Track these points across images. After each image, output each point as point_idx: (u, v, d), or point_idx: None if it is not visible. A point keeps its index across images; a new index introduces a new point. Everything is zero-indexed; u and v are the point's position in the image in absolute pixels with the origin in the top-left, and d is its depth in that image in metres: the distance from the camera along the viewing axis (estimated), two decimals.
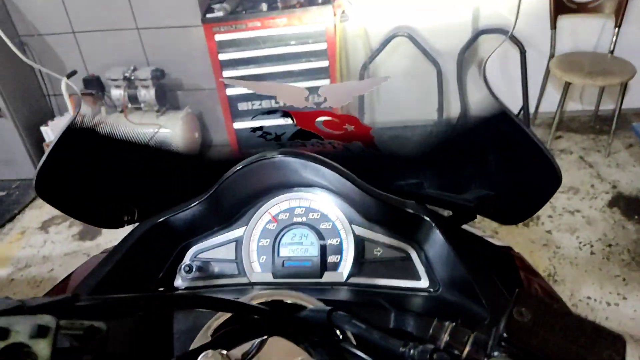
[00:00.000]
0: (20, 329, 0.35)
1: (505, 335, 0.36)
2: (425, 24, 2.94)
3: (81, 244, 2.85)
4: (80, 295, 0.44)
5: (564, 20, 3.07)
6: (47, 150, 0.70)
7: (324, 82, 2.70)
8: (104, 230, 2.90)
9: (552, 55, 3.07)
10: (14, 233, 3.02)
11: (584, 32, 3.13)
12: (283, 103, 0.83)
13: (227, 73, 2.78)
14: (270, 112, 0.85)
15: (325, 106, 0.82)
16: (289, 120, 0.86)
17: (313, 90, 0.82)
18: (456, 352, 0.41)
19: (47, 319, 0.36)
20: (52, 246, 2.87)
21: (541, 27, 3.04)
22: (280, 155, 0.75)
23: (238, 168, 0.75)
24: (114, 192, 0.85)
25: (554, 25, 3.01)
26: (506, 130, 0.70)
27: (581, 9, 2.98)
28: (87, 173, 0.81)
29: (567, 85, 2.87)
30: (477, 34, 2.85)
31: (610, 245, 2.39)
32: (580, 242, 2.44)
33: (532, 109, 3.31)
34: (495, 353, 0.37)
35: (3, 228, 3.06)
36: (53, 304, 0.40)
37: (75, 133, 0.74)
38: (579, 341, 0.36)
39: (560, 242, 2.47)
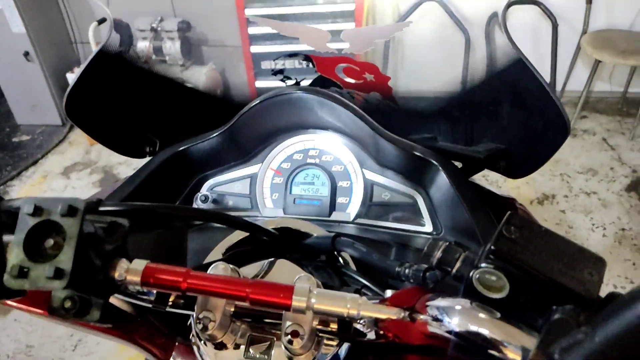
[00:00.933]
0: (53, 208, 0.39)
1: (493, 248, 0.38)
2: None
3: None
4: (103, 201, 0.47)
5: None
6: (77, 72, 0.73)
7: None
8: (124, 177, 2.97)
9: (584, 31, 2.98)
10: (36, 177, 3.11)
11: (621, 8, 3.00)
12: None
13: (252, 30, 2.77)
14: (292, 55, 0.87)
15: (347, 52, 0.83)
16: (309, 68, 0.88)
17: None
18: (448, 268, 0.44)
19: (77, 201, 0.39)
20: (73, 191, 2.95)
21: (576, 1, 2.93)
22: (298, 92, 0.77)
23: (256, 102, 0.78)
24: (137, 121, 0.88)
25: None
26: (520, 79, 0.71)
27: None
28: (114, 99, 0.85)
29: (597, 64, 2.79)
30: (509, 4, 2.77)
31: (623, 230, 2.37)
32: (593, 224, 2.43)
33: (558, 87, 3.24)
34: (483, 265, 0.39)
35: (26, 171, 3.15)
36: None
37: (105, 58, 0.77)
38: (563, 259, 0.38)
39: (574, 222, 2.46)
